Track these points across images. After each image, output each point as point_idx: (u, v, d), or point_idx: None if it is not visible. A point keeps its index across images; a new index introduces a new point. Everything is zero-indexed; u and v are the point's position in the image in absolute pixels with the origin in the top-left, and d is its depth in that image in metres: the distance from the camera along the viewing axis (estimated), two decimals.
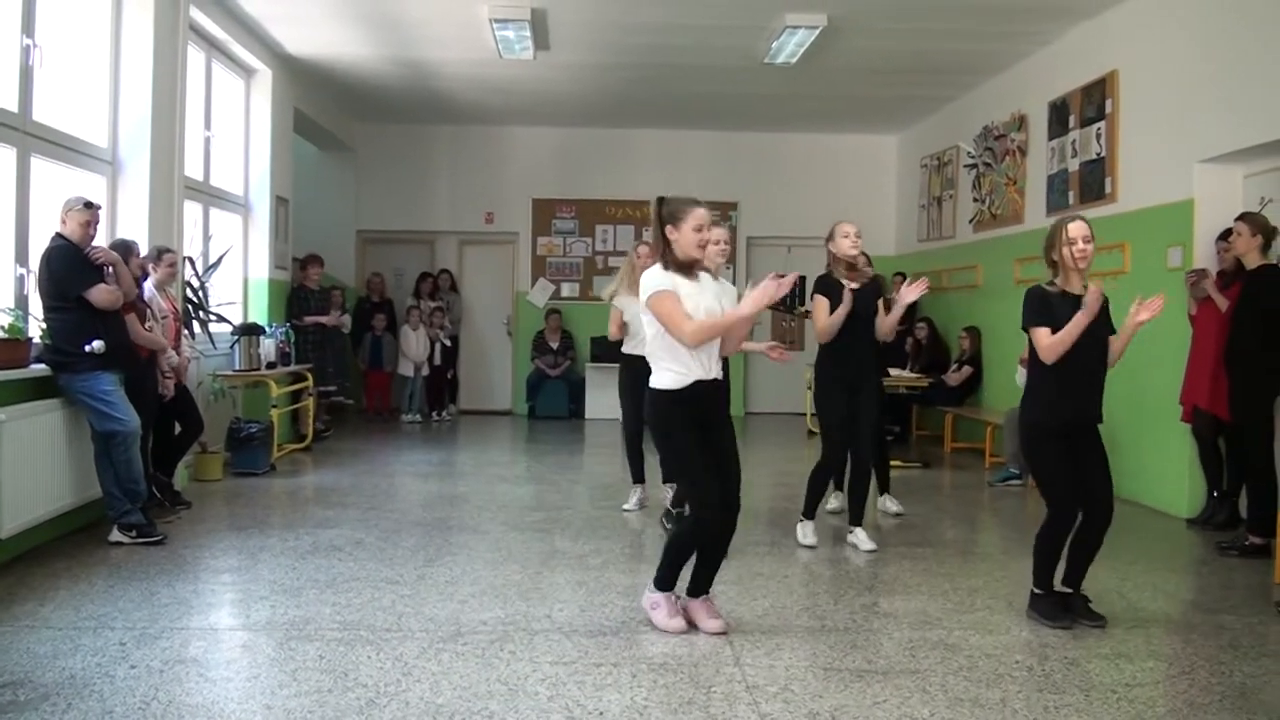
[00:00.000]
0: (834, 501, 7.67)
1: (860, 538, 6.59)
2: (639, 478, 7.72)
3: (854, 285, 6.45)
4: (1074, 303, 4.94)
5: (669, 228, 4.73)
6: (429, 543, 6.57)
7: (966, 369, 11.26)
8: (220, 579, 5.71)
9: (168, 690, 4.00)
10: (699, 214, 4.70)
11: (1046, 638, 4.85)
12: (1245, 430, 6.68)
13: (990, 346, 11.13)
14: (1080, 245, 4.93)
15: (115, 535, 6.31)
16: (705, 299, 4.73)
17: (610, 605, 5.26)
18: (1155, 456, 8.11)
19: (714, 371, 4.77)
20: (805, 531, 6.67)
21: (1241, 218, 6.70)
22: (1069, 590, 5.13)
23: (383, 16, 9.51)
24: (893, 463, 10.04)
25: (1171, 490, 7.90)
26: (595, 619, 5.03)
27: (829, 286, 6.50)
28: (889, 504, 7.71)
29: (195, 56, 9.14)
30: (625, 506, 7.67)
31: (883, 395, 6.81)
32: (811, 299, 6.75)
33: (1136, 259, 8.35)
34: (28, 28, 6.58)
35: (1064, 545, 5.06)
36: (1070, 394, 4.97)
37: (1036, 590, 5.12)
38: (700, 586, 4.93)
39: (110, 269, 6.29)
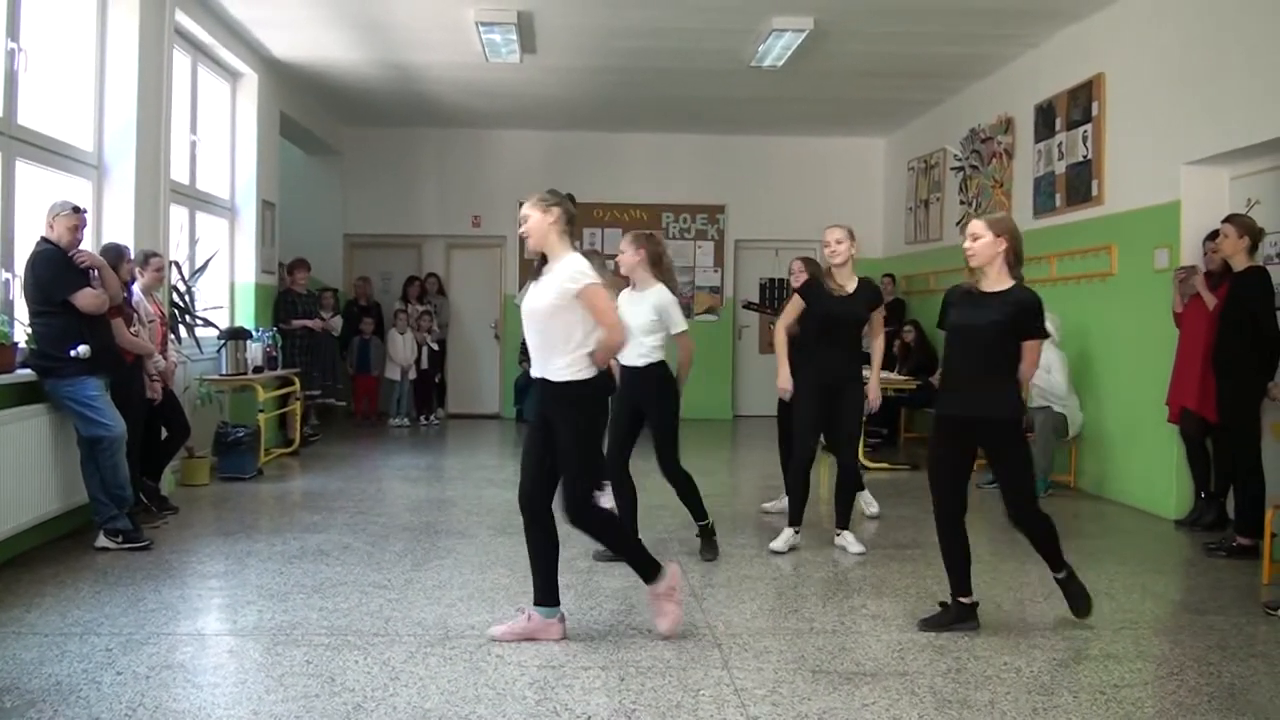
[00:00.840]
0: (773, 503, 7.84)
1: (848, 540, 6.60)
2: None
3: (848, 290, 6.47)
4: (978, 300, 4.90)
5: None
6: (416, 547, 6.55)
7: None
8: (207, 584, 5.69)
9: (154, 696, 3.98)
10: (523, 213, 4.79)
11: (1035, 639, 4.86)
12: (1232, 431, 6.69)
13: None
14: (968, 244, 4.93)
15: (102, 541, 6.28)
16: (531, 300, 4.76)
17: (598, 609, 5.25)
18: (1142, 457, 8.13)
19: (539, 370, 4.78)
20: (785, 538, 6.64)
21: (1229, 219, 6.71)
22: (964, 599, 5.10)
23: (369, 20, 9.49)
24: (881, 465, 10.09)
25: (1159, 491, 7.91)
26: (583, 622, 5.01)
27: (808, 289, 6.54)
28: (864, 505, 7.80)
29: (181, 60, 9.11)
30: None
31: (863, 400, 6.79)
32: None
33: (1124, 261, 8.38)
34: (12, 31, 6.55)
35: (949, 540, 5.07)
36: (949, 389, 4.98)
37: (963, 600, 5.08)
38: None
39: (95, 272, 6.26)
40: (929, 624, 5.00)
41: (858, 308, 6.51)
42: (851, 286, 6.50)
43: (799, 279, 7.23)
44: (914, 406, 11.73)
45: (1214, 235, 7.00)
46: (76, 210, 6.16)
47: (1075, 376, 8.79)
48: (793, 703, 4.02)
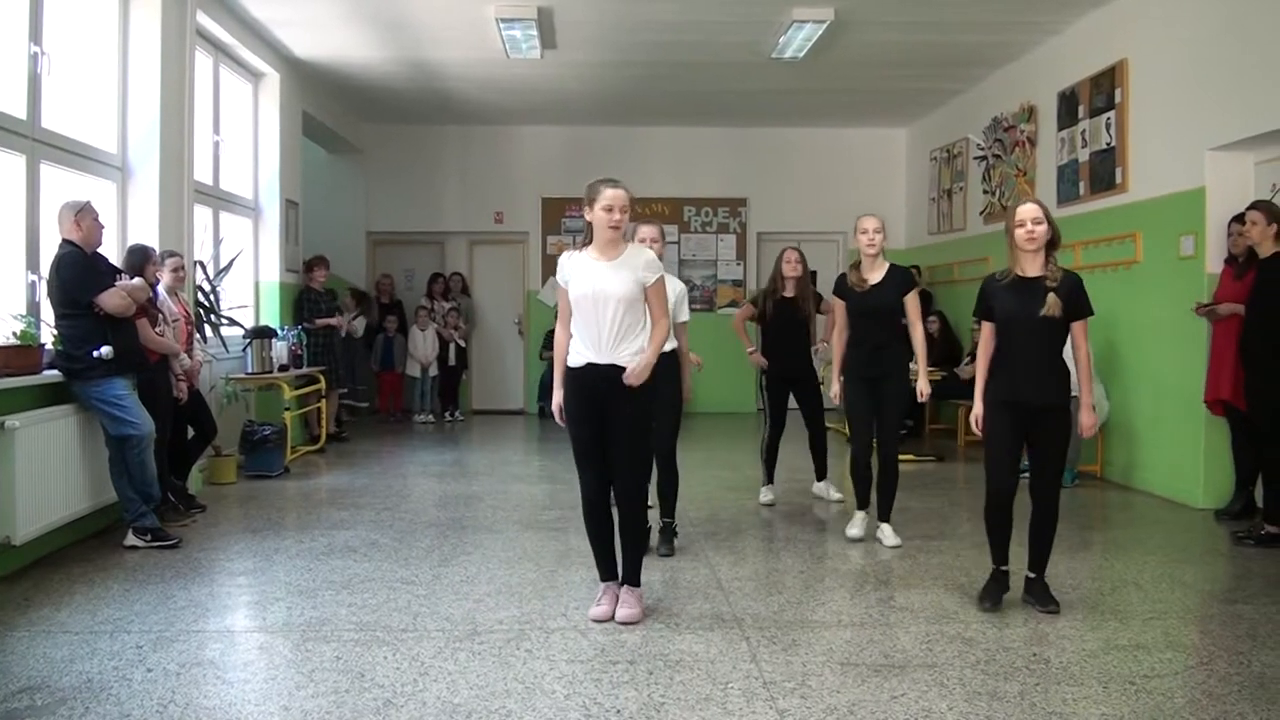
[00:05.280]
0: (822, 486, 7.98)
1: (886, 533, 6.56)
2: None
3: (870, 283, 6.57)
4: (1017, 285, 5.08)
5: (586, 209, 4.96)
6: (444, 543, 6.57)
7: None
8: (236, 581, 5.72)
9: (185, 693, 4.01)
10: (609, 194, 4.85)
11: (1064, 630, 4.83)
12: (1261, 419, 6.63)
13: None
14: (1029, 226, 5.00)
15: (130, 539, 6.33)
16: (603, 281, 4.98)
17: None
18: (1169, 446, 8.08)
19: (606, 357, 4.99)
20: (855, 522, 6.77)
21: (1255, 206, 6.66)
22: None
23: (389, 18, 9.51)
24: (908, 457, 10.05)
25: (1187, 480, 7.86)
26: None
27: (839, 285, 6.78)
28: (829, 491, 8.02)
29: (203, 61, 9.16)
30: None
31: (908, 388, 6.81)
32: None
33: (1149, 248, 8.32)
34: (35, 35, 6.59)
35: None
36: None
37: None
38: (624, 574, 5.09)
39: (121, 275, 6.32)
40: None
41: (891, 295, 6.58)
42: (876, 277, 6.57)
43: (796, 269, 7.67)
44: (939, 398, 11.65)
45: (1239, 218, 6.95)
46: (90, 205, 6.24)
47: (1102, 365, 8.74)
48: (822, 695, 4.01)
